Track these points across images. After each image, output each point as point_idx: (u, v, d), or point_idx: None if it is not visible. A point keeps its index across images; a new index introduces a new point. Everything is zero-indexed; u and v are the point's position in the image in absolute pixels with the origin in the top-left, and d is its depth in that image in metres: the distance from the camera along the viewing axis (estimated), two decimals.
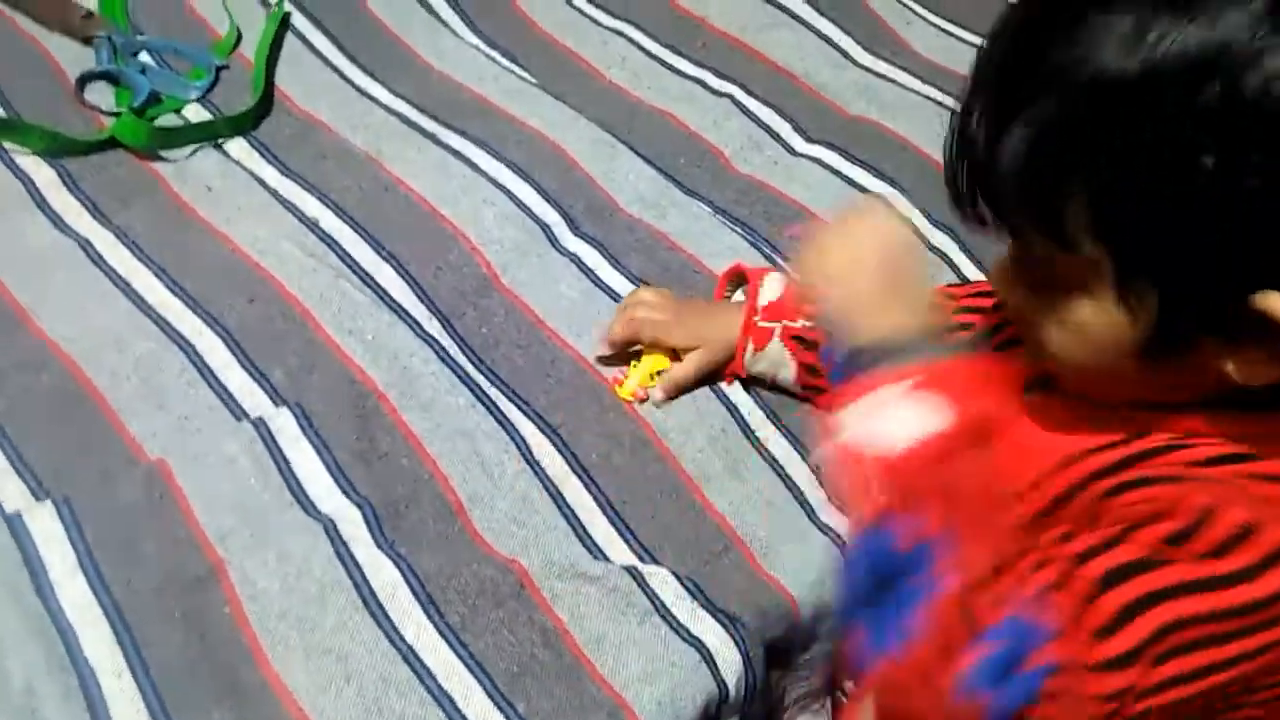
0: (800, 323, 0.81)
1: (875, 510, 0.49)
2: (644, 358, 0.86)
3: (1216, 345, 0.48)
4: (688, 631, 0.72)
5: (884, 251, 0.56)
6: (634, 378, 0.85)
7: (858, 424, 0.50)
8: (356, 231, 0.93)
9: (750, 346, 0.83)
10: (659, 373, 0.85)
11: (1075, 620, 0.47)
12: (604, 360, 0.86)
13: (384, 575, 0.70)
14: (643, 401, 0.84)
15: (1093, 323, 0.50)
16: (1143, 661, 0.47)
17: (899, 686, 0.48)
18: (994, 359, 0.51)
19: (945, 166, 0.53)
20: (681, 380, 0.84)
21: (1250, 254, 0.45)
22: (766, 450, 0.84)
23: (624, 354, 0.86)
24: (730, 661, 0.72)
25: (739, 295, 0.89)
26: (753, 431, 0.84)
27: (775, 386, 0.85)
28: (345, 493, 0.74)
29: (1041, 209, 0.49)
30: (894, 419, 0.49)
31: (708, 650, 0.72)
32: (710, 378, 0.85)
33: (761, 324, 0.83)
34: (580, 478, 0.79)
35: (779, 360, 0.83)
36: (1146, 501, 0.50)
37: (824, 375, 0.80)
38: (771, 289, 0.84)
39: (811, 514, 0.81)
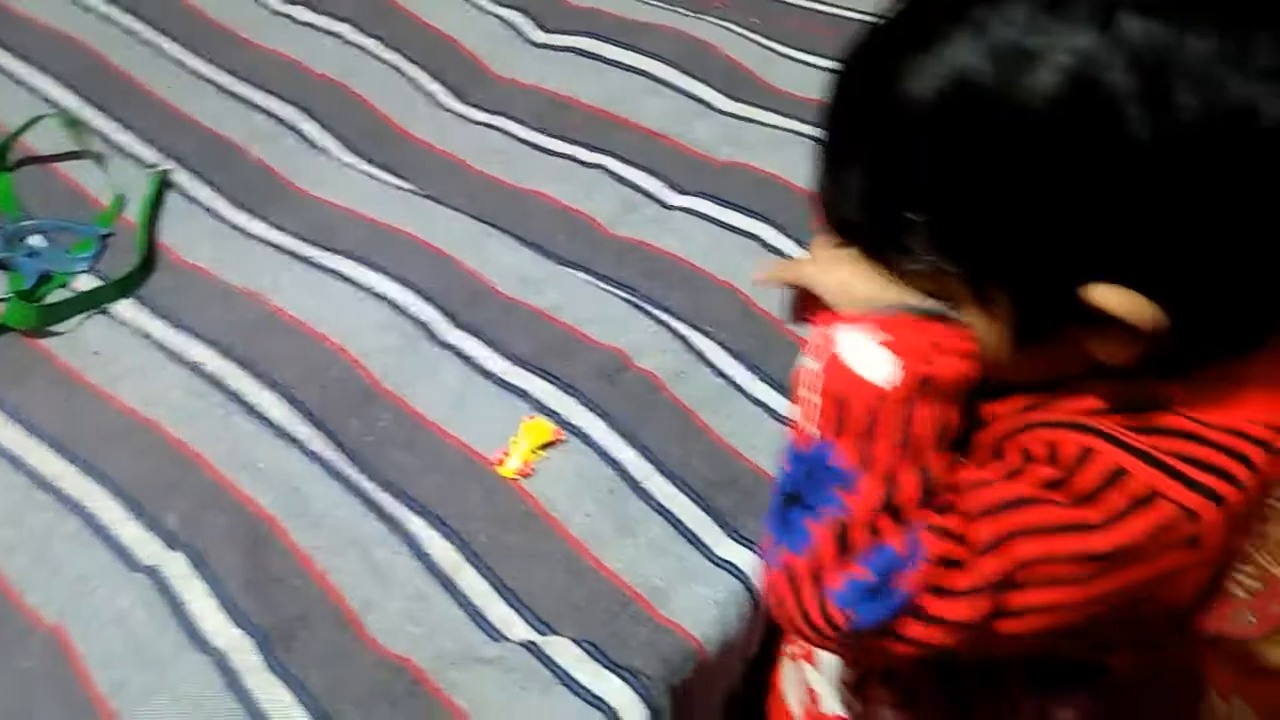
0: None
1: (818, 429, 0.52)
2: (523, 433, 0.88)
3: (1078, 331, 0.50)
4: (590, 693, 0.73)
5: None
6: (515, 456, 0.87)
7: (843, 347, 0.53)
8: (240, 367, 0.96)
9: None
10: (542, 446, 0.87)
11: (956, 541, 0.49)
12: None
13: (276, 698, 0.71)
14: (526, 477, 0.86)
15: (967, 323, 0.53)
16: (1004, 589, 0.49)
17: (779, 591, 0.51)
18: (945, 329, 0.53)
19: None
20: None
21: (1069, 251, 0.48)
22: (657, 501, 0.85)
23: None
24: (637, 715, 0.72)
25: None
26: (641, 484, 0.86)
27: None
28: (238, 624, 0.76)
29: (887, 236, 0.52)
30: (861, 354, 0.52)
31: (611, 708, 0.72)
32: None
33: None
34: (472, 564, 0.81)
35: None
36: (1038, 444, 0.52)
37: None
38: None
39: (708, 553, 0.82)
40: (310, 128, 1.28)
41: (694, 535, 0.83)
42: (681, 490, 0.86)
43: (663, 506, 0.85)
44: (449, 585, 0.80)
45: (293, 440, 0.90)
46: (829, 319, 0.55)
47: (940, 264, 0.51)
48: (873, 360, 0.52)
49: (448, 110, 1.32)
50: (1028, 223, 0.47)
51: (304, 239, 1.11)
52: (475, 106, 1.32)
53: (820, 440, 0.51)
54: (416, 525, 0.83)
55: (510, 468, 0.86)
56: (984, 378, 0.57)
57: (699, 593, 0.79)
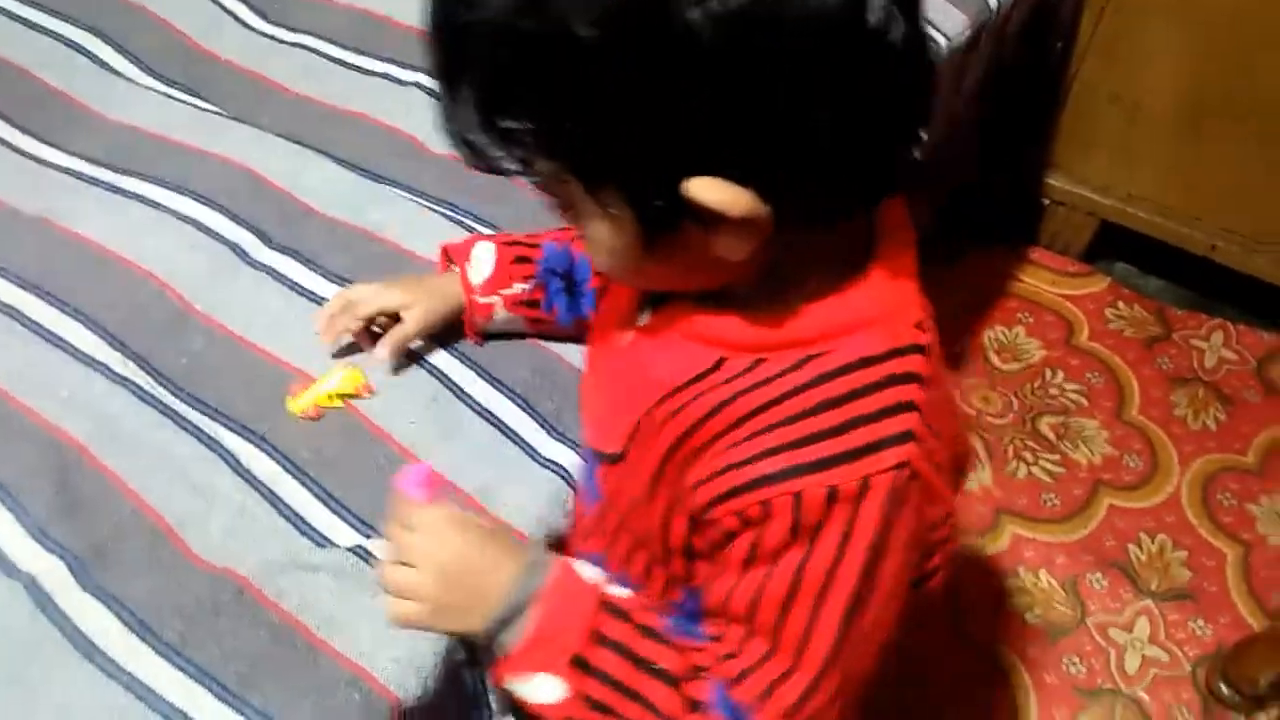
0: (517, 288, 0.85)
1: None
2: (332, 374, 0.86)
3: (698, 230, 0.52)
4: None
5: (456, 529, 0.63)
6: (310, 394, 0.85)
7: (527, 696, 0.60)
8: (36, 295, 0.92)
9: (479, 321, 0.87)
10: (343, 396, 0.85)
11: (781, 650, 0.56)
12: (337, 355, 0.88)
13: (92, 616, 0.70)
14: (312, 420, 0.84)
15: (596, 231, 0.55)
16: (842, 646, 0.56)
17: None
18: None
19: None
20: (403, 338, 0.85)
21: (660, 146, 0.49)
22: (479, 405, 0.86)
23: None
24: None
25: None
26: (464, 390, 0.87)
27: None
28: (47, 549, 0.74)
29: (503, 149, 0.52)
30: (540, 688, 0.59)
31: None
32: (437, 332, 0.87)
33: (481, 300, 0.86)
34: (295, 476, 0.80)
35: (509, 321, 0.87)
36: (753, 505, 0.55)
37: (553, 320, 0.87)
38: (482, 263, 0.86)
39: (533, 453, 0.84)
40: (103, 50, 1.22)
41: (518, 436, 0.85)
42: (504, 394, 0.87)
43: (486, 410, 0.86)
44: (271, 498, 0.79)
45: (99, 366, 0.87)
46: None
47: (555, 172, 0.53)
48: (542, 688, 0.59)
49: (253, 30, 1.28)
50: (616, 122, 0.49)
51: (100, 163, 1.06)
52: (282, 26, 1.28)
53: None
54: (235, 443, 0.82)
55: (300, 404, 0.84)
56: (636, 287, 0.63)
57: (524, 491, 0.81)
